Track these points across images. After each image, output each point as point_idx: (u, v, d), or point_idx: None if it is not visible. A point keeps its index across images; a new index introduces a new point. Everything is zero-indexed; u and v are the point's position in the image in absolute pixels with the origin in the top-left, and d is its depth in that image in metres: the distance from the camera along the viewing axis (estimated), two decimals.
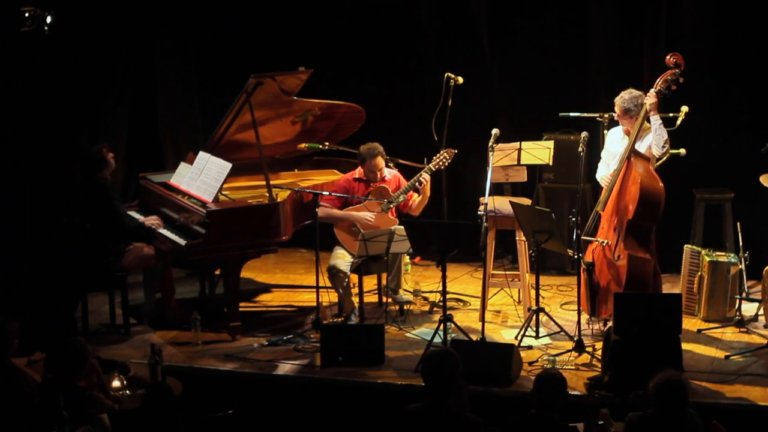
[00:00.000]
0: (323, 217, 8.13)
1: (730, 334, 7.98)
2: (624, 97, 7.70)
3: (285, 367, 7.52)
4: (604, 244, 7.73)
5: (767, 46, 8.98)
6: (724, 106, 9.21)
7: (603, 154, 8.00)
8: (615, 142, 7.86)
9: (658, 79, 7.66)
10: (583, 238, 7.76)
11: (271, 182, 8.13)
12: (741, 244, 8.33)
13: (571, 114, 8.80)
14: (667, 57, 7.70)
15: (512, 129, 9.21)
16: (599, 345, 7.52)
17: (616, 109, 7.73)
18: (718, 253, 8.30)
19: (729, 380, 7.08)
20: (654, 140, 7.57)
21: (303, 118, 8.76)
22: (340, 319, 8.31)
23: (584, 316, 7.89)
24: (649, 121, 7.61)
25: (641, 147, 7.68)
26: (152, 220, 8.23)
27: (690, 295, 8.33)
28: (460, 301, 8.84)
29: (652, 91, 7.61)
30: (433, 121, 8.96)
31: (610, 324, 7.40)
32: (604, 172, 7.91)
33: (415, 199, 8.35)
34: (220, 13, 10.21)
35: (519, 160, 8.55)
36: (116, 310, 8.33)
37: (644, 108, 7.59)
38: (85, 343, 6.23)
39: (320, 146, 8.97)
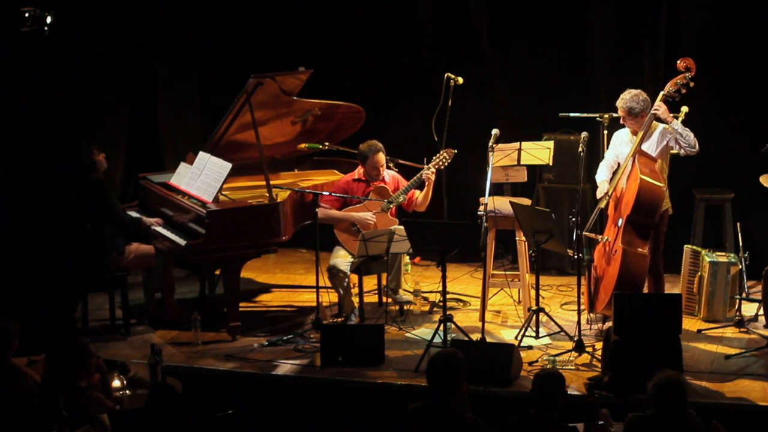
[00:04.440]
0: (323, 218, 8.13)
1: (730, 334, 7.99)
2: (624, 98, 7.69)
3: (285, 367, 7.53)
4: (605, 241, 7.73)
5: (767, 46, 8.98)
6: (724, 106, 9.21)
7: (607, 154, 7.98)
8: (623, 144, 7.83)
9: (668, 83, 7.66)
10: (584, 233, 7.77)
11: (271, 182, 8.13)
12: (741, 244, 8.34)
13: (571, 114, 8.80)
14: (678, 62, 7.69)
15: (512, 129, 9.20)
16: (599, 345, 7.53)
17: (619, 111, 7.71)
18: (718, 253, 8.30)
19: (729, 380, 7.09)
20: (683, 143, 7.55)
21: (303, 118, 8.76)
22: (340, 319, 8.31)
23: (584, 316, 7.90)
24: (660, 121, 7.62)
25: (649, 148, 7.67)
26: (153, 221, 8.28)
27: (690, 295, 8.33)
28: (460, 301, 8.84)
29: (658, 101, 7.60)
30: (433, 121, 8.96)
31: (610, 324, 7.40)
32: (604, 176, 7.88)
33: (418, 195, 8.35)
34: (220, 12, 10.21)
35: (519, 160, 8.56)
36: (116, 310, 8.33)
37: (652, 116, 7.59)
38: (87, 343, 6.24)
39: (320, 146, 8.97)
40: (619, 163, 7.86)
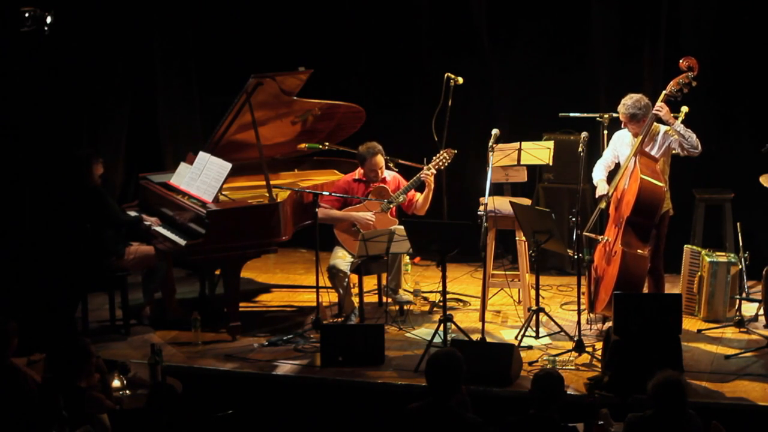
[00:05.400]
0: (323, 218, 8.13)
1: (730, 334, 7.99)
2: (626, 104, 7.66)
3: (285, 367, 7.53)
4: (605, 241, 7.73)
5: (767, 46, 8.98)
6: (724, 106, 9.21)
7: (606, 153, 7.98)
8: (625, 145, 7.81)
9: (671, 82, 7.65)
10: (585, 233, 7.77)
11: (271, 182, 8.13)
12: (741, 244, 8.34)
13: (571, 114, 8.80)
14: (681, 61, 7.67)
15: (512, 129, 9.21)
16: (599, 345, 7.53)
17: (621, 117, 7.70)
18: (718, 253, 8.30)
19: (729, 380, 7.09)
20: (685, 144, 7.53)
21: (303, 118, 8.76)
22: (340, 319, 8.31)
23: (584, 316, 7.90)
24: (661, 122, 7.61)
25: (652, 150, 7.66)
26: (153, 220, 8.30)
27: (690, 295, 8.33)
28: (460, 301, 8.84)
29: (660, 102, 7.59)
30: (433, 121, 8.96)
31: (610, 324, 7.40)
32: (600, 175, 7.88)
33: (419, 198, 8.35)
34: (220, 13, 10.21)
35: (519, 160, 8.55)
36: (116, 310, 8.33)
37: (653, 117, 7.57)
38: (88, 344, 6.24)
39: (320, 146, 8.96)
40: (617, 163, 7.87)
